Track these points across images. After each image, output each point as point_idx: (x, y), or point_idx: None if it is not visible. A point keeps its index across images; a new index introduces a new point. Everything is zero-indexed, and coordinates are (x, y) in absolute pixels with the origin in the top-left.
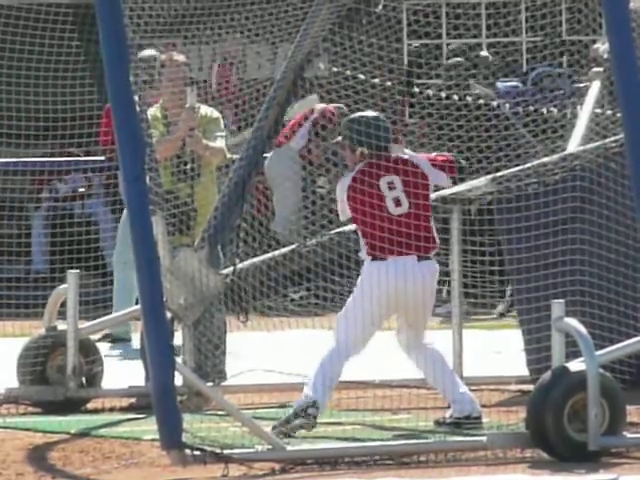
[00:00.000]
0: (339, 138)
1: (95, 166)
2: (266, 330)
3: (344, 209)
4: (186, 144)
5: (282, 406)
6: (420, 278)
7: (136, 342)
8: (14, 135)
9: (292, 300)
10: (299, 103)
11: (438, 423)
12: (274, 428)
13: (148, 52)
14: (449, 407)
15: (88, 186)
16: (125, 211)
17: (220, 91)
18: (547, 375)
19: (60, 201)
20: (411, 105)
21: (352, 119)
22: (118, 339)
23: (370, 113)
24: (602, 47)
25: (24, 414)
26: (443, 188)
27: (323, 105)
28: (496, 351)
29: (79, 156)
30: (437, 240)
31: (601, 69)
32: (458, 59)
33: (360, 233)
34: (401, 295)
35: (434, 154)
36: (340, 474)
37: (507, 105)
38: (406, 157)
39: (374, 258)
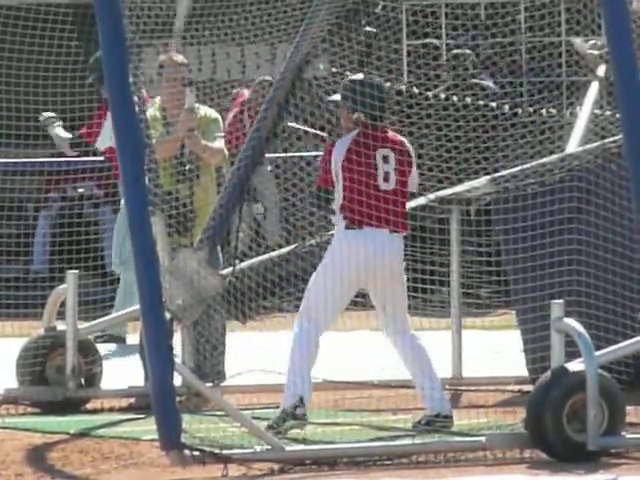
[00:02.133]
0: (337, 96)
1: (94, 166)
2: (266, 330)
3: (335, 170)
4: (185, 145)
5: (280, 407)
6: (391, 249)
7: (134, 341)
8: (13, 135)
9: (290, 301)
10: None
11: (415, 425)
12: (268, 429)
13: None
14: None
15: (99, 185)
16: (120, 212)
17: None
18: (546, 375)
19: (68, 201)
20: (410, 106)
21: (355, 81)
22: (113, 338)
23: (375, 79)
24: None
25: (23, 414)
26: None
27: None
28: (495, 351)
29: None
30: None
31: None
32: (461, 51)
33: (342, 199)
34: (372, 263)
35: None
36: (339, 474)
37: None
38: (400, 137)
39: (349, 226)
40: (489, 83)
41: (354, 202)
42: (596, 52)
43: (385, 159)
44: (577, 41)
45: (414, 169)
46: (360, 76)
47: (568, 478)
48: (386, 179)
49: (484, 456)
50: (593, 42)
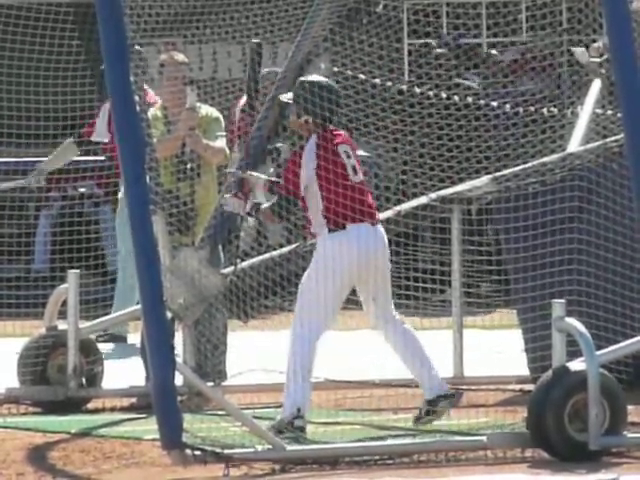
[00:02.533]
0: (289, 95)
1: (95, 165)
2: (267, 329)
3: (308, 178)
4: (186, 144)
5: (281, 406)
6: (377, 243)
7: (136, 341)
8: (15, 135)
9: (291, 300)
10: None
11: (417, 419)
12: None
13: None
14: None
15: (100, 184)
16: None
17: None
18: (548, 375)
19: (68, 200)
20: (411, 105)
21: (302, 83)
22: (114, 337)
23: (321, 79)
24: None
25: (25, 414)
26: None
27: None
28: (497, 351)
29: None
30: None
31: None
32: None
33: (322, 205)
34: (363, 259)
35: None
36: (340, 474)
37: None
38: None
39: (332, 229)
40: (473, 83)
41: (336, 204)
42: (597, 60)
43: (347, 154)
44: (578, 50)
45: None
46: (309, 77)
47: (569, 477)
48: (355, 172)
49: (485, 455)
50: (596, 46)
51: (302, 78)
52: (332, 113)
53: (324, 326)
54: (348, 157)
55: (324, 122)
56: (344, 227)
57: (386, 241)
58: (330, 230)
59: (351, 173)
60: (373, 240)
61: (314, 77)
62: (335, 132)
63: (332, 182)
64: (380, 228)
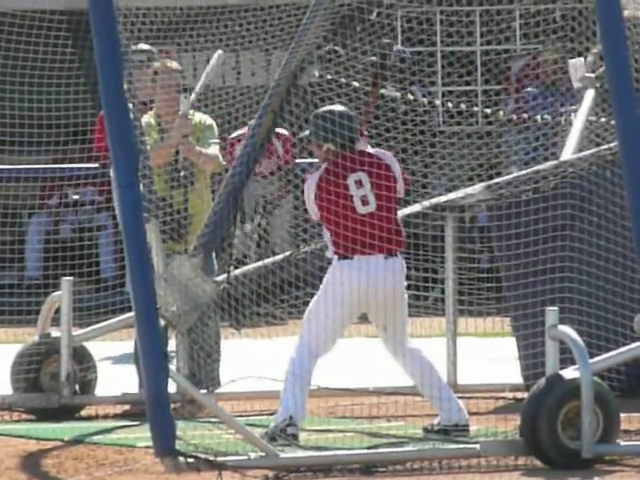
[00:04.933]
0: (306, 132)
1: (89, 173)
2: (260, 337)
3: (312, 209)
4: (180, 151)
5: (274, 414)
6: (387, 276)
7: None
8: (8, 142)
9: (284, 308)
10: None
11: (426, 430)
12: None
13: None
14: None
15: (99, 192)
16: None
17: None
18: (541, 382)
19: (62, 207)
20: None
21: (317, 114)
22: None
23: (337, 107)
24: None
25: (18, 421)
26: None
27: None
28: (490, 358)
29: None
30: (404, 235)
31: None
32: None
33: (327, 232)
34: (367, 293)
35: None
36: None
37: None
38: (372, 151)
39: (341, 257)
40: (418, 93)
41: (339, 234)
42: (592, 75)
43: (358, 183)
44: (572, 64)
45: (399, 177)
46: (324, 108)
47: None
48: (365, 203)
49: (479, 463)
50: (590, 60)
51: (316, 111)
52: (352, 138)
53: (325, 349)
54: (360, 186)
55: (344, 148)
56: (352, 257)
57: (401, 273)
58: (339, 258)
59: (358, 204)
60: (382, 273)
61: (328, 107)
62: (357, 157)
63: (336, 213)
64: (395, 260)
